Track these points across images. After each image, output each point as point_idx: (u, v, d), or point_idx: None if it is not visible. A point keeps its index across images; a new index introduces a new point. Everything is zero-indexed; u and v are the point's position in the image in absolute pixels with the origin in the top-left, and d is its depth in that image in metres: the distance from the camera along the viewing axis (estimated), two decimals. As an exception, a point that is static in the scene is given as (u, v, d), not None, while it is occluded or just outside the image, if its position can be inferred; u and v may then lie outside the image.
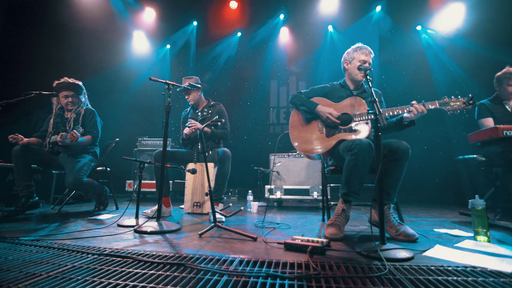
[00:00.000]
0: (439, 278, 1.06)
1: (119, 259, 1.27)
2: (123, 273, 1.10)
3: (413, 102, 1.76)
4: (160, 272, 1.11)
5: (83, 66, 4.78)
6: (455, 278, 1.06)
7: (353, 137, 1.91)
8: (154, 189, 3.99)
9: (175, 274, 1.10)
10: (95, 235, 1.75)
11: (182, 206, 3.20)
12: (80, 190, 2.63)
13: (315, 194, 3.25)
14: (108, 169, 2.97)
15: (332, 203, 2.25)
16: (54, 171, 3.13)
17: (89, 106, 2.84)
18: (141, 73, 5.98)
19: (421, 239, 1.68)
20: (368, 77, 1.69)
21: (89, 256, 1.32)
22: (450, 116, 1.77)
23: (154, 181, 3.83)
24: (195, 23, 6.05)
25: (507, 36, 3.97)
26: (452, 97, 1.67)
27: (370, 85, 1.59)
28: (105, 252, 1.36)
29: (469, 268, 1.17)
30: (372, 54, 2.07)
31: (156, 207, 2.64)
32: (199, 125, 2.70)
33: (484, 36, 4.27)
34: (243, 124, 5.86)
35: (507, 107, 2.45)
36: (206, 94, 3.16)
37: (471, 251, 1.44)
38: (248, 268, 1.17)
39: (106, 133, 2.99)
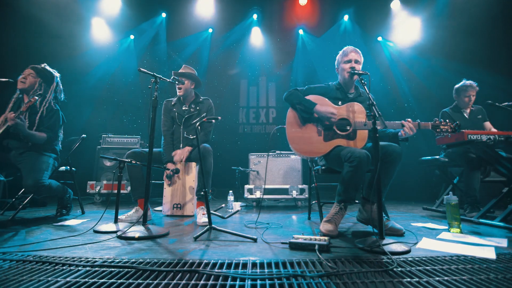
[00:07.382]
0: (444, 267, 1.16)
1: (118, 269, 1.14)
2: (132, 286, 0.98)
3: (408, 119, 1.87)
4: (175, 281, 1.02)
5: (32, 54, 4.18)
6: (455, 266, 1.17)
7: (351, 144, 1.96)
8: (123, 191, 3.66)
9: (193, 282, 1.02)
10: (73, 244, 1.54)
11: (158, 208, 3.00)
12: (41, 194, 2.27)
13: (294, 193, 3.32)
14: (74, 169, 2.64)
15: (315, 202, 2.31)
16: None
17: (52, 104, 2.46)
18: (100, 64, 5.43)
19: (406, 233, 1.83)
20: (363, 81, 1.77)
21: (79, 268, 1.15)
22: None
23: (123, 182, 3.51)
24: (163, 14, 5.72)
25: (458, 52, 4.55)
26: (442, 120, 1.90)
27: (367, 90, 1.68)
28: (97, 263, 1.20)
29: (462, 257, 1.30)
30: (354, 51, 2.09)
31: (132, 211, 2.42)
32: (183, 155, 2.62)
33: (439, 51, 4.83)
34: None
35: (465, 114, 2.80)
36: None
37: (453, 241, 1.61)
38: (265, 270, 1.14)
39: (66, 129, 2.63)
